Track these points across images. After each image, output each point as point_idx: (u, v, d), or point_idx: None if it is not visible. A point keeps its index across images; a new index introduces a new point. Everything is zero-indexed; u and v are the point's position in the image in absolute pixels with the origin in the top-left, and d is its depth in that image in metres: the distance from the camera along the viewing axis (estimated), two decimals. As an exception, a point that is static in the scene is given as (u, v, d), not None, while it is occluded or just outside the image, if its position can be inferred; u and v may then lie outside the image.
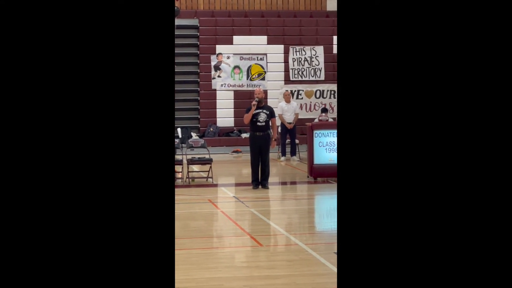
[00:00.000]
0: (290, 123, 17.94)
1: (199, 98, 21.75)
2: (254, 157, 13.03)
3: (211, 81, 21.65)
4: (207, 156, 14.52)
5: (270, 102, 18.96)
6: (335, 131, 14.00)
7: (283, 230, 9.53)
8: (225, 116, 21.57)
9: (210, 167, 14.23)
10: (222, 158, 18.97)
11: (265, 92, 20.02)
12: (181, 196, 12.08)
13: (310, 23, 22.41)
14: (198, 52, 21.94)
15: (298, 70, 21.96)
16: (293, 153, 18.06)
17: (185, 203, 11.62)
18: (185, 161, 14.61)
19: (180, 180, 14.07)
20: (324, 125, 14.90)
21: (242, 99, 20.88)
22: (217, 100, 21.66)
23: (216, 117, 21.59)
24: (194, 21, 22.19)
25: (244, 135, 20.41)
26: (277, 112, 16.81)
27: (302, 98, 21.66)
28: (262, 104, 13.14)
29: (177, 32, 19.81)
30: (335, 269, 6.98)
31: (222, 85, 21.67)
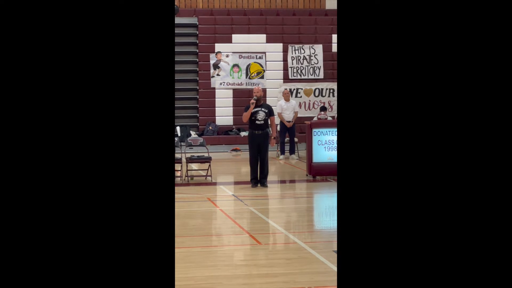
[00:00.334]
0: (289, 121, 17.93)
1: (198, 96, 21.73)
2: (253, 155, 13.03)
3: (210, 80, 21.64)
4: (206, 155, 14.53)
5: (269, 101, 18.97)
6: (334, 129, 14.00)
7: (282, 228, 9.53)
8: (224, 114, 21.56)
9: (209, 165, 14.24)
10: (221, 156, 18.97)
11: (264, 90, 20.05)
12: (180, 195, 12.07)
13: (309, 22, 22.39)
14: (197, 50, 21.92)
15: (297, 68, 21.95)
16: (292, 151, 18.05)
17: (184, 201, 11.62)
18: (184, 160, 14.62)
19: (179, 178, 14.07)
20: (323, 124, 14.89)
21: (241, 97, 20.88)
22: (216, 99, 21.65)
23: (215, 116, 21.58)
24: (193, 20, 22.18)
25: (243, 134, 20.41)
26: (276, 110, 16.83)
27: (301, 97, 21.65)
28: (261, 102, 13.14)
29: (176, 30, 19.78)
30: (334, 267, 6.98)
31: (221, 84, 21.65)
